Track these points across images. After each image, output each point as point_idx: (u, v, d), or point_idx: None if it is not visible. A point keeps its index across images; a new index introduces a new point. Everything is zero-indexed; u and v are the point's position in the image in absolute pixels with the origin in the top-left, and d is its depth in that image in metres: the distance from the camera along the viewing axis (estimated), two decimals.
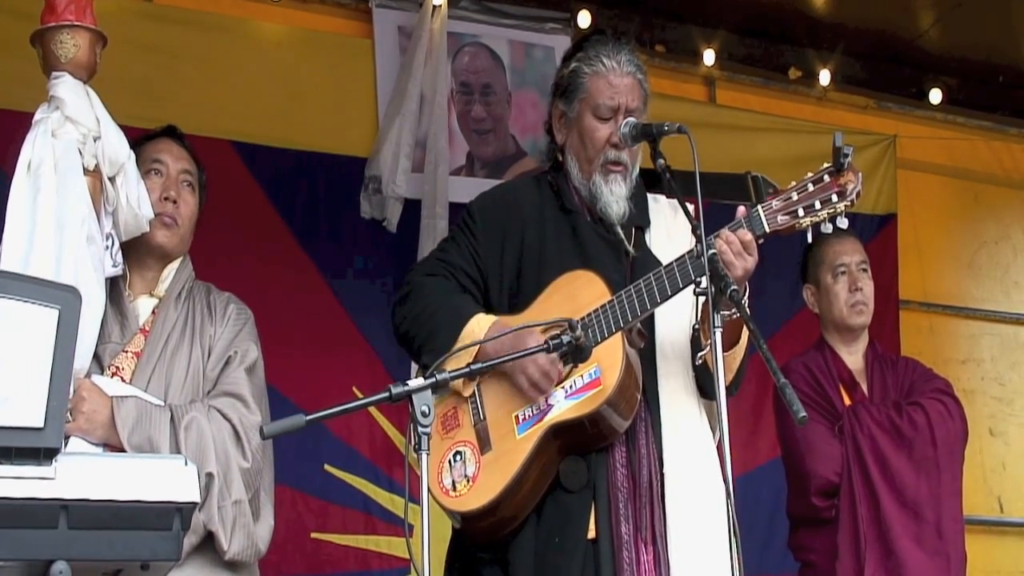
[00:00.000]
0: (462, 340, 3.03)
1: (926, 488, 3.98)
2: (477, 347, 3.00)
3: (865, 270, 4.18)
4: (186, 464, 2.17)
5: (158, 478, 2.11)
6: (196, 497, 2.16)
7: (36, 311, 2.74)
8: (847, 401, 4.09)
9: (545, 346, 2.87)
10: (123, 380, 3.12)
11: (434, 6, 5.28)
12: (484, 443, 3.04)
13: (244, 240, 4.75)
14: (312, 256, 5.10)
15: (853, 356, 4.18)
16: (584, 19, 5.63)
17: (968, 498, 6.00)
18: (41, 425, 2.04)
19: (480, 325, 3.06)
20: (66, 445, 2.89)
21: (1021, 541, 6.26)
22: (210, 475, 3.02)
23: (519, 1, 5.58)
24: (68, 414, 2.91)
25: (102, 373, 3.10)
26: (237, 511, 3.06)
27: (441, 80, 5.25)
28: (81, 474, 2.05)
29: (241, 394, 3.17)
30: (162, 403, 3.09)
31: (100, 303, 3.01)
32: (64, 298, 2.10)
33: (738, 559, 2.67)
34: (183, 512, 2.11)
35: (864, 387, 4.13)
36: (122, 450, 2.97)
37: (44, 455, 2.03)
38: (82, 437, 2.97)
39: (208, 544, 3.04)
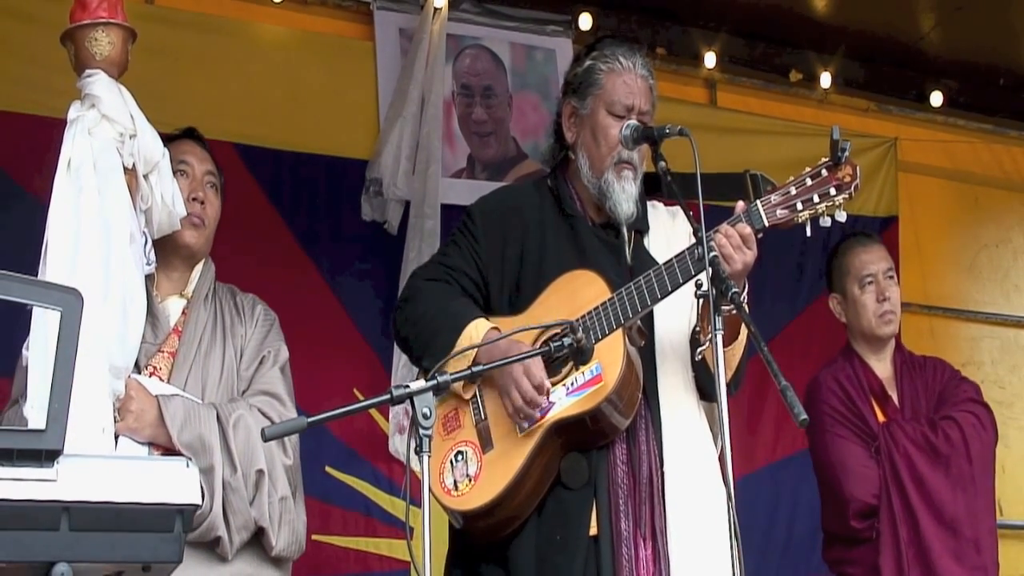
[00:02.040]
0: (460, 344, 3.04)
1: (963, 504, 3.98)
2: (475, 351, 3.01)
3: (891, 277, 4.16)
4: (187, 466, 2.17)
5: (160, 480, 2.11)
6: (197, 499, 2.16)
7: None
8: (880, 416, 4.06)
9: (545, 348, 2.88)
10: (161, 380, 3.15)
11: (435, 8, 5.28)
12: (486, 442, 3.04)
13: (245, 242, 4.74)
14: (313, 258, 5.10)
15: (882, 363, 4.16)
16: (585, 21, 5.63)
17: None
18: (43, 427, 2.04)
19: (478, 330, 3.07)
20: (116, 446, 2.92)
21: (1020, 544, 6.25)
22: (260, 472, 3.09)
23: (520, 3, 5.58)
24: (116, 413, 2.95)
25: (139, 373, 3.13)
26: (283, 507, 3.13)
27: (438, 81, 5.25)
28: (83, 476, 2.05)
29: (278, 393, 3.24)
30: (203, 402, 3.13)
31: (143, 301, 3.04)
32: (66, 299, 2.10)
33: (739, 560, 2.68)
34: (184, 514, 2.11)
35: (895, 397, 4.11)
36: (169, 449, 3.01)
37: (46, 457, 2.03)
38: (130, 437, 3.00)
39: (255, 540, 3.10)
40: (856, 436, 4.00)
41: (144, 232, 3.12)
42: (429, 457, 2.53)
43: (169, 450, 3.01)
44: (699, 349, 3.04)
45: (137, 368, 3.13)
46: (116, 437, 2.97)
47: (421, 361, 3.16)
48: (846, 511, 3.97)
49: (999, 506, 6.19)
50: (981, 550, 3.96)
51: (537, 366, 2.97)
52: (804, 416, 2.61)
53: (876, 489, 3.96)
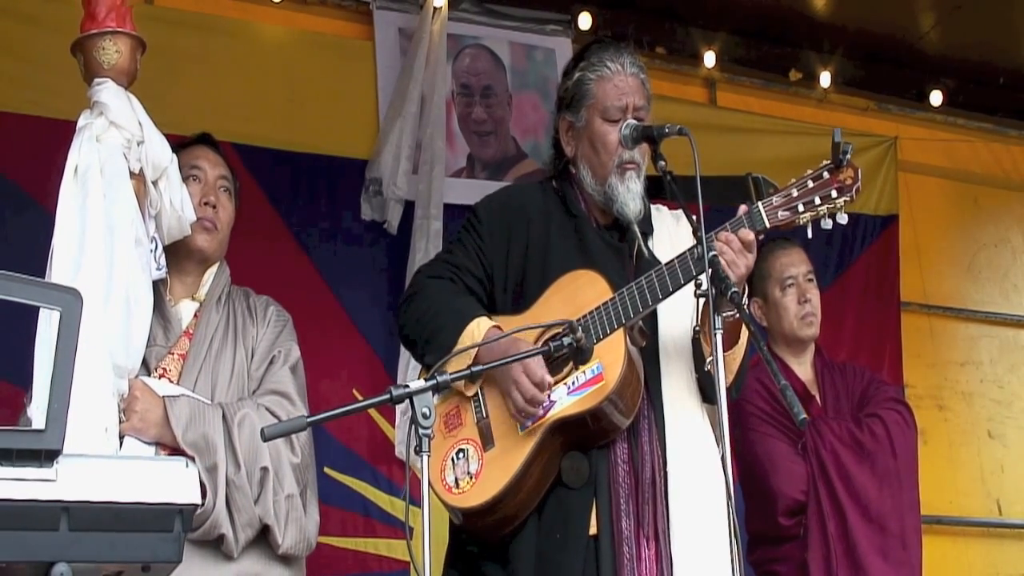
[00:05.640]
0: (462, 342, 3.04)
1: (889, 500, 3.97)
2: (476, 350, 3.01)
3: (811, 280, 4.15)
4: (187, 466, 2.17)
5: (159, 480, 2.10)
6: (197, 499, 2.16)
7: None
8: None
9: (545, 348, 2.88)
10: (171, 382, 3.17)
11: (435, 8, 5.28)
12: (487, 440, 3.05)
13: (244, 242, 4.69)
14: (312, 258, 5.10)
15: (803, 367, 4.17)
16: (585, 21, 5.63)
17: (967, 500, 5.99)
18: (42, 427, 2.04)
19: (480, 328, 3.06)
20: (121, 446, 2.94)
21: (1019, 543, 6.26)
22: (264, 469, 3.10)
23: (520, 3, 5.58)
24: (122, 414, 2.98)
25: (149, 375, 3.14)
26: (289, 505, 3.14)
27: (440, 81, 5.25)
28: (82, 476, 2.05)
29: (287, 392, 3.25)
30: (210, 402, 3.14)
31: (149, 305, 3.05)
32: (65, 300, 2.09)
33: (739, 560, 2.68)
34: (184, 514, 2.11)
35: (817, 397, 4.12)
36: (175, 449, 3.02)
37: (45, 457, 2.03)
38: (136, 437, 3.02)
39: (261, 538, 3.11)
40: (782, 434, 3.99)
41: (154, 237, 3.15)
42: (429, 457, 2.53)
43: (176, 450, 3.03)
44: (708, 360, 3.02)
45: (147, 370, 3.15)
46: (122, 437, 2.98)
47: (424, 358, 3.17)
48: (774, 508, 3.95)
49: (998, 505, 6.24)
50: (907, 546, 3.96)
51: (537, 364, 2.97)
52: (804, 416, 2.62)
53: (804, 485, 3.95)
